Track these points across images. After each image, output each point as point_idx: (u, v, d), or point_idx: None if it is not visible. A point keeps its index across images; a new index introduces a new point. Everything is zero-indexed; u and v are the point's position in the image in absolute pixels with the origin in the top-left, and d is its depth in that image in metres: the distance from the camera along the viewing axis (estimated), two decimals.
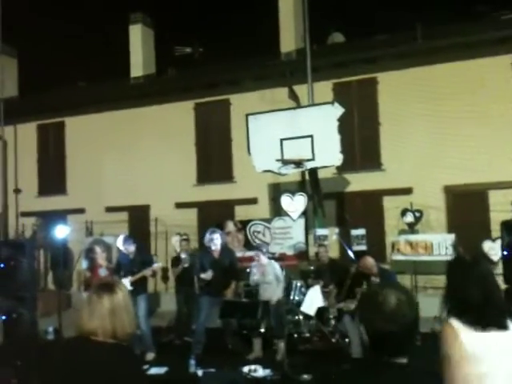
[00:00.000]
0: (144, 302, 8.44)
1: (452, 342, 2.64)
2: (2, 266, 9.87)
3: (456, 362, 2.63)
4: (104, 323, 2.35)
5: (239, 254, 11.19)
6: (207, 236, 8.54)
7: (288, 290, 9.22)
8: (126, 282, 8.29)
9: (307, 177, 11.36)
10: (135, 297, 8.34)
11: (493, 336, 2.63)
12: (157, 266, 8.94)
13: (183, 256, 9.94)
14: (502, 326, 2.64)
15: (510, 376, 2.63)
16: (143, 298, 8.45)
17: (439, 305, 2.86)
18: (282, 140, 10.17)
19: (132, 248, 8.61)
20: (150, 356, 8.24)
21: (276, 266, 8.66)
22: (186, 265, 9.81)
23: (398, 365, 2.02)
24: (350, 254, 9.94)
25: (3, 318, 6.56)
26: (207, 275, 8.25)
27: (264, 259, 8.59)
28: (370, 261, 7.48)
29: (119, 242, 8.86)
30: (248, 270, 8.97)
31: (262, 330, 8.48)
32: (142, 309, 8.35)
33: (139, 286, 8.41)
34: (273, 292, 8.39)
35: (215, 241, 8.40)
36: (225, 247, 8.73)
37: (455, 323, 2.66)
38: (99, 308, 2.36)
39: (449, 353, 2.64)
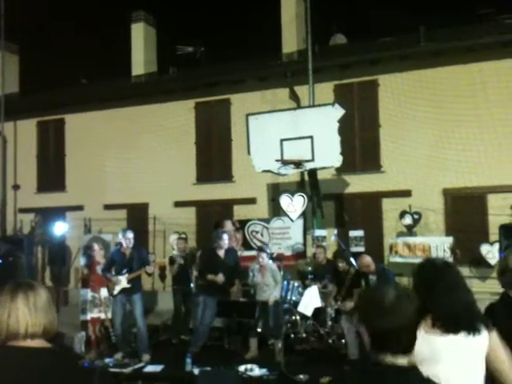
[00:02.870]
0: (140, 301, 8.33)
1: None
2: (0, 261, 9.89)
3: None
4: (32, 321, 2.16)
5: None
6: (216, 236, 8.53)
7: (285, 290, 9.22)
8: (123, 279, 8.27)
9: (306, 178, 11.36)
10: (130, 296, 8.30)
11: (455, 339, 2.61)
12: (154, 263, 8.91)
13: (175, 253, 10.12)
14: (472, 330, 2.61)
15: (465, 381, 2.61)
16: (138, 297, 8.33)
17: None
18: (282, 140, 10.17)
19: (131, 236, 8.36)
20: (146, 358, 8.12)
21: (274, 267, 8.71)
22: (181, 261, 9.88)
23: (397, 368, 1.92)
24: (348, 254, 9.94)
25: None
26: (219, 278, 8.18)
27: (266, 260, 8.61)
28: (367, 259, 7.58)
29: (120, 235, 8.67)
30: (250, 272, 8.90)
31: (259, 330, 8.51)
32: (138, 308, 8.28)
33: (134, 285, 8.32)
34: (270, 293, 8.47)
35: (224, 241, 8.41)
36: (229, 247, 8.73)
37: None
38: (24, 305, 2.17)
39: None
